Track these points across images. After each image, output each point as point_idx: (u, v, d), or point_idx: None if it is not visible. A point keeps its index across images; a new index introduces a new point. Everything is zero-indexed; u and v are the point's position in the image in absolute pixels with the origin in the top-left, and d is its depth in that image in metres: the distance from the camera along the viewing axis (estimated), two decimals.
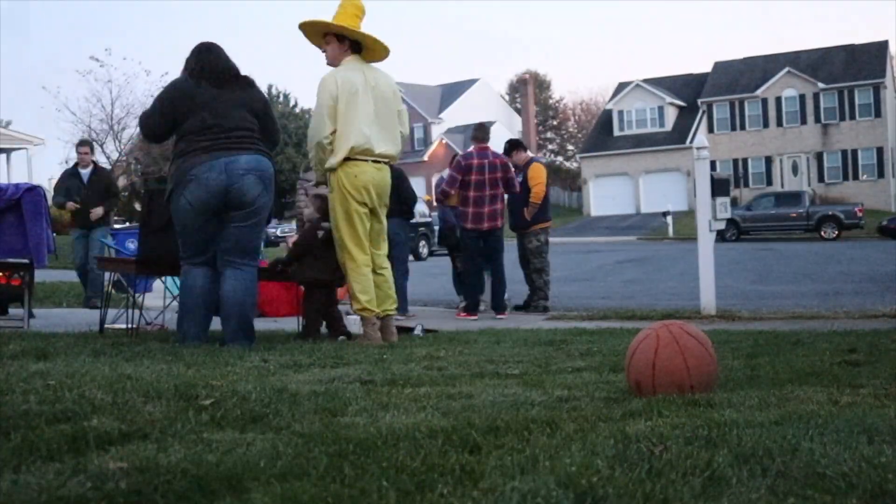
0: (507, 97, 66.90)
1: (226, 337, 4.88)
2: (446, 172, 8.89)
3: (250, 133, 4.91)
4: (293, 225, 28.42)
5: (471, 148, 8.68)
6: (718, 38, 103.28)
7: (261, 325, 6.64)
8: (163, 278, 7.01)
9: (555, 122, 71.29)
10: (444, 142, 52.00)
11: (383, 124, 5.33)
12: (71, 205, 9.34)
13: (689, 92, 46.94)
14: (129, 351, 4.30)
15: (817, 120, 43.06)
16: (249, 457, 1.98)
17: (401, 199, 7.81)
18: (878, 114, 42.08)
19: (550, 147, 69.52)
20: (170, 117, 4.89)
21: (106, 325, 5.84)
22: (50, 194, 9.00)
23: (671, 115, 46.36)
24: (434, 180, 44.15)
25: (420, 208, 20.95)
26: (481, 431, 2.28)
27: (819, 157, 43.18)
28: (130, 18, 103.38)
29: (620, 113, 47.44)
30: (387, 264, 5.55)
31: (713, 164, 27.70)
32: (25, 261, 6.24)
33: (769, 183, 43.35)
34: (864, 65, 42.85)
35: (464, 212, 8.38)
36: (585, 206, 47.68)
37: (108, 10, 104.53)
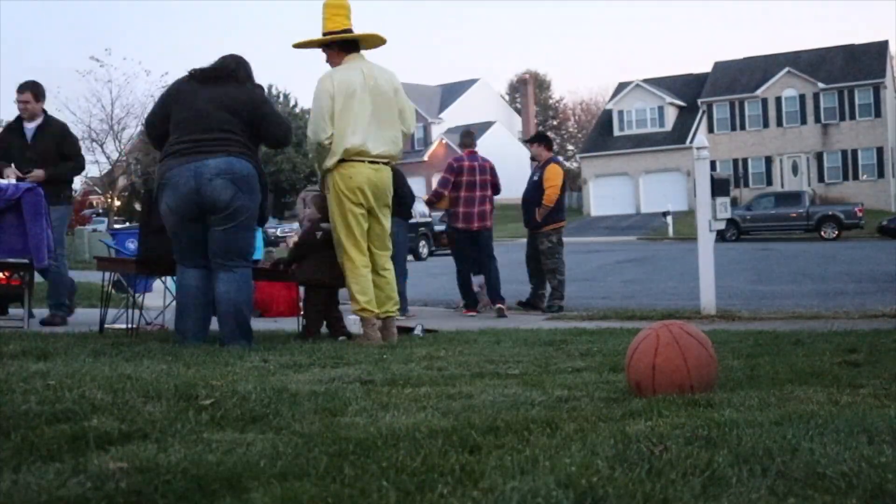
0: (507, 97, 66.93)
1: (223, 338, 4.88)
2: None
3: (227, 135, 4.86)
4: (293, 225, 28.40)
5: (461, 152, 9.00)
6: (718, 38, 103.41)
7: (261, 325, 6.64)
8: (163, 278, 7.01)
9: (555, 122, 71.31)
10: (444, 142, 51.99)
11: (382, 124, 5.30)
12: (9, 171, 6.59)
13: (689, 92, 46.93)
14: (129, 351, 4.30)
15: (817, 120, 43.05)
16: (249, 457, 1.98)
17: (399, 199, 7.82)
18: (878, 114, 42.09)
19: None
20: (164, 117, 5.00)
21: (106, 325, 5.84)
22: None
23: (671, 115, 46.35)
24: (434, 181, 44.23)
25: (419, 208, 20.94)
26: (481, 431, 2.28)
27: (819, 157, 43.18)
28: (130, 18, 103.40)
29: (620, 113, 47.43)
30: (389, 265, 5.53)
31: (713, 164, 27.70)
32: (25, 261, 6.23)
33: (769, 183, 43.35)
34: (864, 65, 42.85)
35: (454, 212, 8.70)
36: (585, 206, 47.66)
37: (108, 10, 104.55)
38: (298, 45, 5.55)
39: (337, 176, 5.26)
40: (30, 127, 7.08)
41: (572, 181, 57.59)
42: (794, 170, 43.54)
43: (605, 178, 46.84)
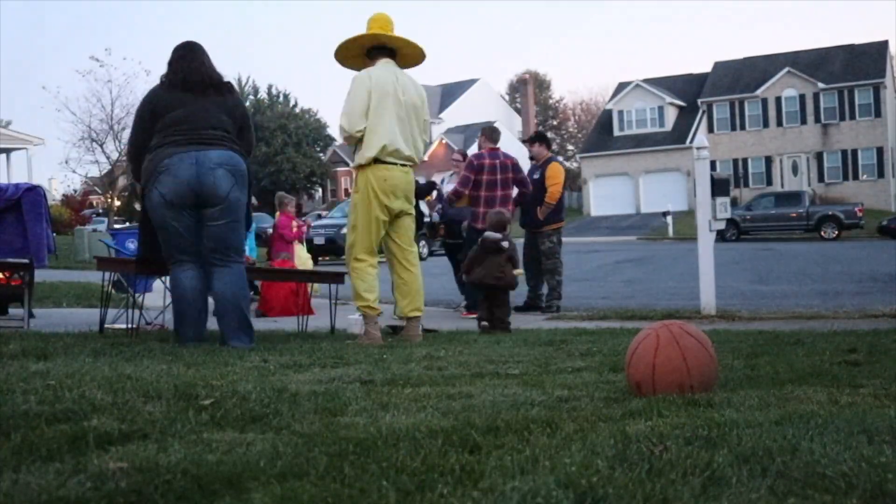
0: (507, 97, 66.93)
1: (225, 335, 4.89)
2: (448, 174, 8.93)
3: (224, 133, 4.94)
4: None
5: (482, 149, 8.72)
6: (718, 38, 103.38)
7: (261, 325, 6.64)
8: (163, 278, 7.00)
9: (555, 122, 71.28)
10: (444, 142, 51.97)
11: (405, 130, 5.43)
12: None
13: (689, 92, 46.92)
14: (129, 351, 4.30)
15: (817, 120, 43.05)
16: (249, 457, 1.97)
17: None
18: (878, 114, 42.08)
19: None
20: (150, 122, 4.94)
21: (106, 325, 5.83)
22: (50, 194, 8.44)
23: (671, 115, 46.34)
24: (436, 180, 44.14)
25: (420, 208, 20.94)
26: (481, 431, 2.28)
27: (819, 157, 43.18)
28: (130, 18, 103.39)
29: (620, 113, 47.42)
30: (416, 262, 5.70)
31: (713, 164, 27.74)
32: (25, 261, 6.23)
33: (769, 183, 43.35)
34: (864, 65, 42.85)
35: (475, 212, 8.41)
36: (585, 206, 47.66)
37: (108, 10, 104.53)
38: (340, 50, 5.60)
39: (371, 176, 5.36)
40: None
41: (572, 181, 57.60)
42: (794, 170, 43.53)
43: (605, 178, 46.84)
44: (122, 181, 35.18)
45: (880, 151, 42.13)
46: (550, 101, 71.15)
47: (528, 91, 56.56)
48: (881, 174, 42.13)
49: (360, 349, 4.75)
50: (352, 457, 2.01)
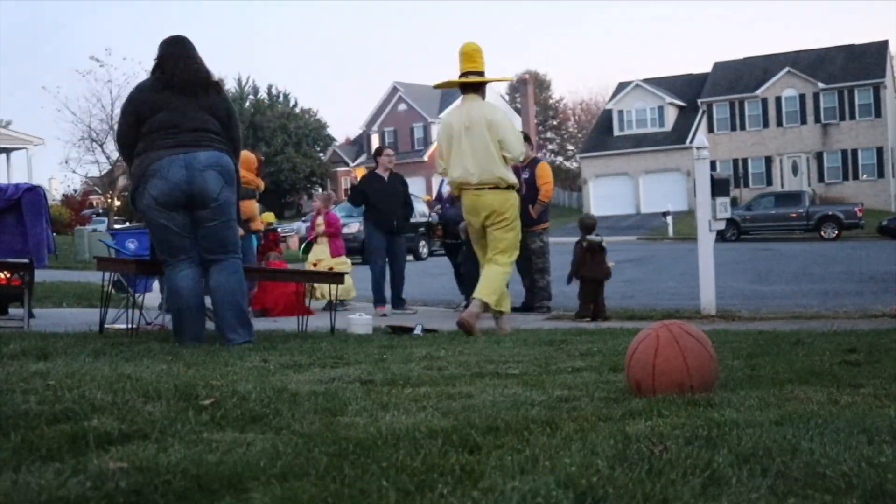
0: (507, 97, 66.87)
1: (224, 331, 4.90)
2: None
3: (211, 134, 4.96)
4: (294, 225, 28.42)
5: None
6: (718, 38, 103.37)
7: (261, 325, 6.64)
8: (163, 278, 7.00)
9: (555, 122, 71.28)
10: None
11: (479, 157, 6.19)
12: None
13: (689, 92, 46.91)
14: (129, 351, 4.30)
15: (817, 120, 43.04)
16: (249, 457, 1.98)
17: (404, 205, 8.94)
18: (878, 114, 42.08)
19: (550, 147, 69.49)
20: (134, 123, 4.96)
21: (106, 325, 5.83)
22: (50, 194, 8.43)
23: (671, 115, 46.34)
24: (434, 181, 44.16)
25: (420, 208, 20.92)
26: (481, 431, 2.28)
27: (819, 157, 43.18)
28: (131, 18, 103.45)
29: (620, 113, 47.42)
30: (502, 260, 6.30)
31: (713, 164, 27.71)
32: (25, 261, 6.23)
33: (769, 183, 43.34)
34: (864, 65, 42.84)
35: None
36: (585, 206, 47.62)
37: (108, 10, 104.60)
38: (439, 86, 6.99)
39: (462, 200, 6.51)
40: None
41: (572, 181, 57.63)
42: (794, 170, 43.53)
43: (605, 178, 46.83)
44: (122, 181, 35.16)
45: (880, 151, 42.13)
46: (550, 101, 71.12)
47: (528, 91, 56.37)
48: (881, 174, 42.13)
49: (359, 349, 4.75)
50: (352, 457, 2.01)
